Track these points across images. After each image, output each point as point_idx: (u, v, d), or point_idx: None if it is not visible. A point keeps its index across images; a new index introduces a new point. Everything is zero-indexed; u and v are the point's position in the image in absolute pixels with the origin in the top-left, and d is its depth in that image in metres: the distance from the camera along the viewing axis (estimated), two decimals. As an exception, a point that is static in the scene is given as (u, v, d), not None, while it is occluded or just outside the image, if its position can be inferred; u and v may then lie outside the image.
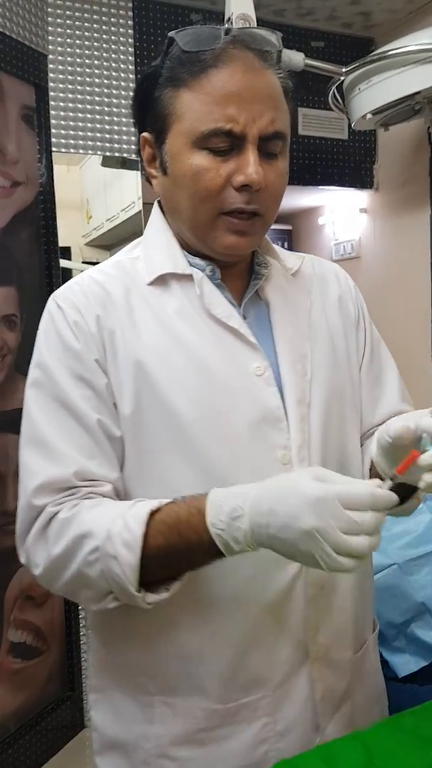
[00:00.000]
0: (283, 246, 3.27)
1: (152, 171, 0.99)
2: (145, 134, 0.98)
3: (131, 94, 1.00)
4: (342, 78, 2.23)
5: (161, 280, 0.97)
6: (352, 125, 2.34)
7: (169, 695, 0.94)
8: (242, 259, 1.03)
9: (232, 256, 0.98)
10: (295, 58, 2.18)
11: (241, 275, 1.03)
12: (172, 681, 0.94)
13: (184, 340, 0.93)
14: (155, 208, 1.04)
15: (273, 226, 1.05)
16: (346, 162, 2.74)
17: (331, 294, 1.10)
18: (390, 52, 2.06)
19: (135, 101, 0.99)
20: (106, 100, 2.31)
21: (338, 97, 2.33)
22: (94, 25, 2.28)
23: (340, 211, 2.94)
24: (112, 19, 2.30)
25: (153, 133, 0.96)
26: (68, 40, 2.24)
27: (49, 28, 2.21)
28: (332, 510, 0.73)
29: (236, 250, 0.96)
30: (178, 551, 0.83)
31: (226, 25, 0.92)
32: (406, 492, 0.79)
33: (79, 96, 2.27)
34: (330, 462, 0.98)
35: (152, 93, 0.94)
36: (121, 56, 2.32)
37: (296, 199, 2.97)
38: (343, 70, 2.20)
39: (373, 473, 1.00)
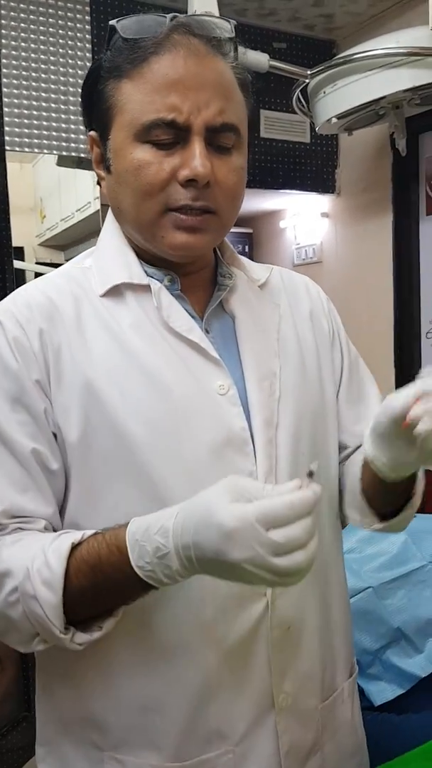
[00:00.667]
0: (243, 249, 3.24)
1: (100, 172, 0.92)
2: (92, 133, 0.91)
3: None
4: (307, 81, 2.17)
5: (115, 291, 0.90)
6: (317, 129, 2.29)
7: (120, 751, 0.87)
8: (203, 268, 0.96)
9: (185, 257, 0.90)
10: (260, 59, 2.12)
11: (203, 286, 0.96)
12: (124, 735, 0.86)
13: (140, 356, 0.86)
14: (109, 214, 0.96)
15: (233, 229, 0.98)
16: (308, 166, 2.69)
17: (301, 308, 1.04)
18: (356, 56, 2.01)
19: (82, 98, 0.92)
20: (62, 98, 2.21)
21: (302, 100, 2.28)
22: (50, 20, 2.17)
23: (302, 216, 2.90)
24: (69, 14, 2.20)
25: (98, 131, 0.90)
26: (22, 35, 2.13)
27: (2, 22, 2.10)
28: (255, 537, 0.68)
29: (188, 251, 0.89)
30: (105, 589, 0.78)
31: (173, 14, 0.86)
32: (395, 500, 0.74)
33: (33, 93, 2.17)
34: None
35: (96, 87, 0.88)
36: (78, 53, 2.22)
37: (257, 202, 2.92)
38: (308, 72, 2.14)
39: (366, 479, 0.94)
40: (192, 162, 0.83)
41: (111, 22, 0.86)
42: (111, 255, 0.93)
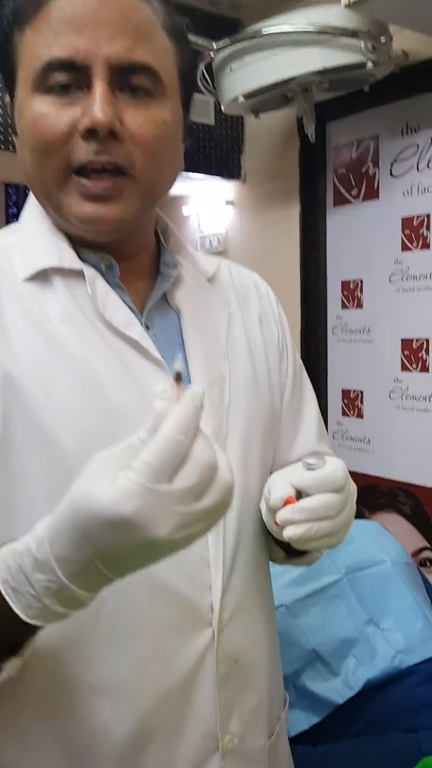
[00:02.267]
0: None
1: (16, 141, 0.78)
2: (6, 98, 0.79)
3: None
4: (212, 55, 2.03)
5: (42, 277, 0.76)
6: (222, 108, 2.16)
7: None
8: (140, 252, 0.83)
9: (99, 233, 0.76)
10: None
11: (144, 275, 0.83)
12: None
13: (69, 352, 0.74)
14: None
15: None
16: (213, 149, 2.56)
17: (251, 309, 0.92)
18: (265, 31, 1.89)
19: None
20: None
21: (207, 77, 2.14)
22: None
23: (206, 203, 2.76)
24: None
25: (9, 93, 0.77)
26: None
27: None
28: (164, 500, 0.54)
29: (98, 224, 0.75)
30: None
31: None
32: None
33: None
34: (249, 508, 0.81)
35: (3, 44, 0.76)
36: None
37: (158, 187, 2.75)
38: (214, 46, 2.00)
39: None
40: (92, 108, 0.70)
41: None
42: (37, 234, 0.79)
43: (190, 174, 2.54)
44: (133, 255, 0.81)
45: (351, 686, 1.24)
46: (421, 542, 2.11)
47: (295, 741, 1.26)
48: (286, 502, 0.74)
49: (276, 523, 0.75)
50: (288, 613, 1.31)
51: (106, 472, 0.56)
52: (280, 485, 0.77)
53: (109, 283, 0.79)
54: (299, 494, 0.76)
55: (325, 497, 0.75)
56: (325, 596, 1.35)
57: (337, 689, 1.25)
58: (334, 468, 0.76)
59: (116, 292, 0.79)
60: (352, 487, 0.80)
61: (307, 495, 0.75)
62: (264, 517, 0.82)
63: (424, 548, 2.10)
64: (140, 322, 0.79)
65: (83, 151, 0.71)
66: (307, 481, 0.75)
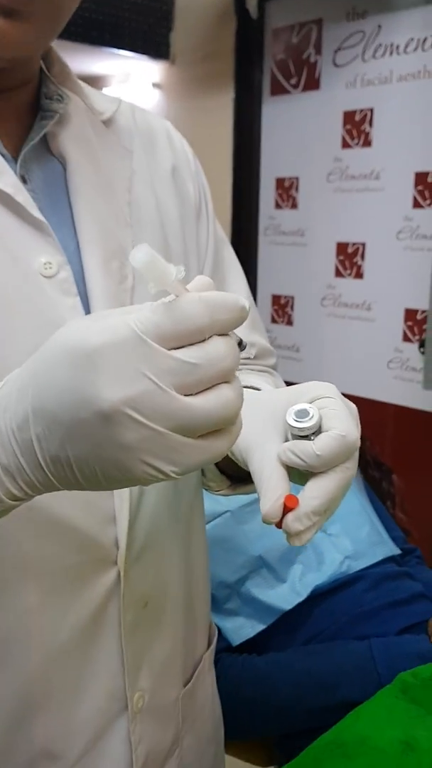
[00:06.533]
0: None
1: None
2: None
3: None
4: None
5: None
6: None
7: None
8: (21, 85, 0.63)
9: None
10: None
11: (19, 111, 0.64)
12: None
13: None
14: None
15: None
16: (138, 23, 2.30)
17: (161, 161, 0.74)
18: None
19: None
20: None
21: None
22: None
23: (130, 84, 2.52)
24: None
25: None
26: None
27: None
28: (143, 354, 0.39)
29: (5, 47, 0.56)
30: None
31: None
32: None
33: None
34: None
35: None
36: None
37: (78, 62, 2.48)
38: None
39: None
40: None
41: None
42: None
43: (113, 50, 2.28)
44: (11, 87, 0.62)
45: (298, 593, 1.19)
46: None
47: (240, 650, 1.20)
48: (285, 509, 0.51)
49: (279, 525, 0.53)
50: (233, 518, 1.23)
51: (102, 317, 0.41)
52: (267, 472, 0.53)
53: None
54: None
55: (337, 482, 0.52)
56: (272, 501, 1.27)
57: (283, 596, 1.19)
58: (342, 431, 0.51)
59: None
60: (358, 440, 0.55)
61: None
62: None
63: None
64: (14, 171, 0.60)
65: None
66: (310, 460, 0.51)
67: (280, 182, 2.27)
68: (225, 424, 0.42)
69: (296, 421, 0.52)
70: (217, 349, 0.40)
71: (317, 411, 0.52)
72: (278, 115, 2.24)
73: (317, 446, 0.51)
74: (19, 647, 0.58)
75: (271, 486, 0.52)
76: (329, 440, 0.51)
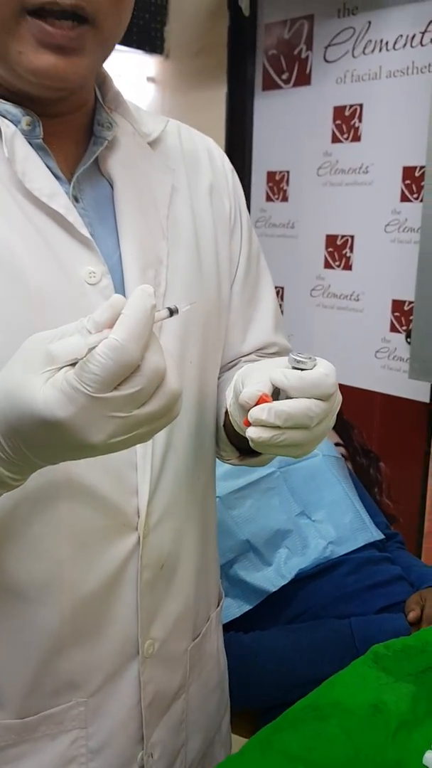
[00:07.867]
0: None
1: None
2: None
3: None
4: None
5: None
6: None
7: None
8: (77, 110, 0.70)
9: (54, 89, 0.65)
10: None
11: (74, 135, 0.71)
12: None
13: None
14: None
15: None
16: (133, 18, 2.33)
17: (201, 180, 0.82)
18: None
19: None
20: None
21: None
22: None
23: (125, 78, 2.55)
24: None
25: None
26: None
27: None
28: (102, 407, 0.50)
29: (58, 80, 0.63)
30: None
31: None
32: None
33: None
34: (186, 405, 0.75)
35: None
36: None
37: (72, 56, 2.52)
38: None
39: (227, 425, 0.79)
40: None
41: None
42: None
43: (109, 44, 2.33)
44: (67, 112, 0.70)
45: (283, 575, 1.26)
46: (335, 438, 2.15)
47: (226, 628, 1.26)
48: (260, 400, 0.62)
49: (246, 423, 0.64)
50: (222, 504, 1.29)
51: (42, 362, 0.50)
52: (256, 379, 0.65)
53: (32, 144, 0.67)
54: (277, 394, 0.65)
55: (308, 403, 0.62)
56: (259, 489, 1.33)
57: (269, 578, 1.26)
58: (326, 371, 0.64)
59: (40, 155, 0.67)
60: (339, 397, 0.68)
61: (288, 397, 0.63)
62: (230, 409, 0.75)
63: (338, 444, 2.14)
64: (67, 192, 0.68)
65: None
66: (293, 381, 0.63)
67: (271, 175, 2.32)
68: (173, 411, 0.54)
69: (297, 354, 0.64)
70: (151, 362, 0.51)
71: (314, 359, 0.65)
72: (270, 110, 2.29)
73: (303, 373, 0.63)
74: (54, 592, 0.70)
75: (254, 382, 0.65)
76: (314, 372, 0.63)
